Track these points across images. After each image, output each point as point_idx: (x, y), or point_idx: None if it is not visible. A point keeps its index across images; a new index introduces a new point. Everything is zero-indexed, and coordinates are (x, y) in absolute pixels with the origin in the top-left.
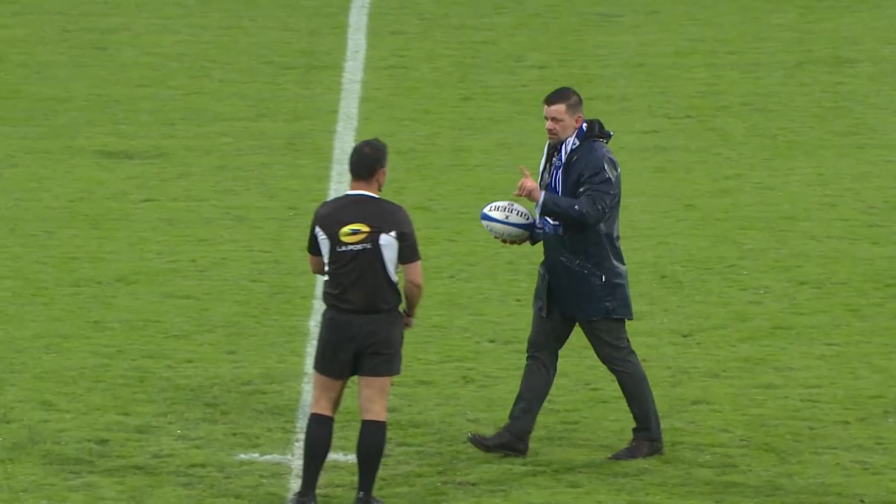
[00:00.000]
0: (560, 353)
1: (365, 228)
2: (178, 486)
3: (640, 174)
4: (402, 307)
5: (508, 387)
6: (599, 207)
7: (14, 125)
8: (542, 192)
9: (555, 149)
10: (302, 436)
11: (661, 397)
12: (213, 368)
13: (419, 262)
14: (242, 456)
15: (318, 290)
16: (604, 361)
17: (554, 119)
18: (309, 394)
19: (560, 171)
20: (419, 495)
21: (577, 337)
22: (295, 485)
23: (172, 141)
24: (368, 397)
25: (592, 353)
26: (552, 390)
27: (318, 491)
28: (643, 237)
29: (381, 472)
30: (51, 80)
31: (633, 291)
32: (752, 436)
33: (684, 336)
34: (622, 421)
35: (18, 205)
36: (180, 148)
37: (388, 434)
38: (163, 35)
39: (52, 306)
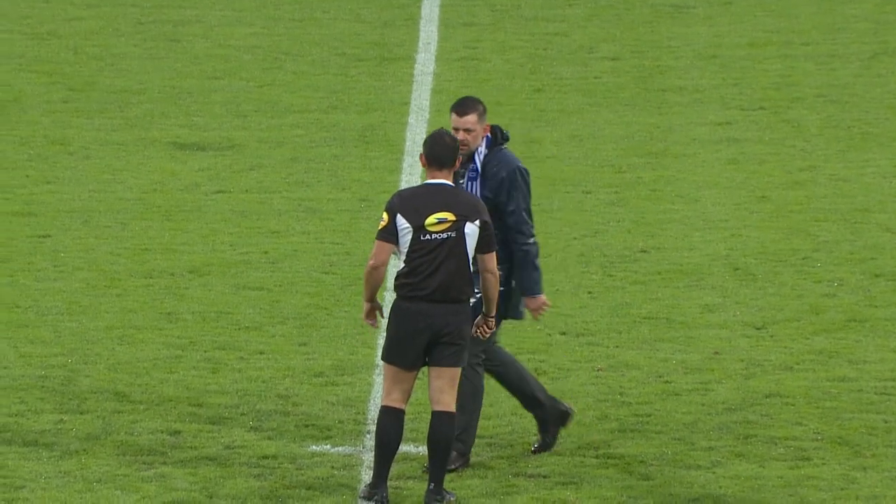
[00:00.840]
0: (631, 345)
1: (451, 217)
2: (250, 478)
3: (712, 166)
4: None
5: (580, 379)
6: (530, 226)
7: (88, 117)
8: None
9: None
10: (373, 427)
11: (733, 390)
12: (284, 360)
13: (495, 252)
14: (314, 447)
15: (391, 282)
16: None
17: (467, 130)
18: (381, 385)
19: (477, 182)
20: (490, 487)
21: (650, 329)
22: (366, 476)
23: (245, 133)
24: (439, 388)
25: (665, 346)
26: (623, 382)
27: (389, 483)
28: (716, 229)
29: (452, 463)
30: (125, 72)
31: (706, 284)
32: (826, 429)
33: (757, 329)
34: (694, 413)
35: (92, 196)
36: (253, 140)
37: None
38: (236, 27)
39: (126, 298)
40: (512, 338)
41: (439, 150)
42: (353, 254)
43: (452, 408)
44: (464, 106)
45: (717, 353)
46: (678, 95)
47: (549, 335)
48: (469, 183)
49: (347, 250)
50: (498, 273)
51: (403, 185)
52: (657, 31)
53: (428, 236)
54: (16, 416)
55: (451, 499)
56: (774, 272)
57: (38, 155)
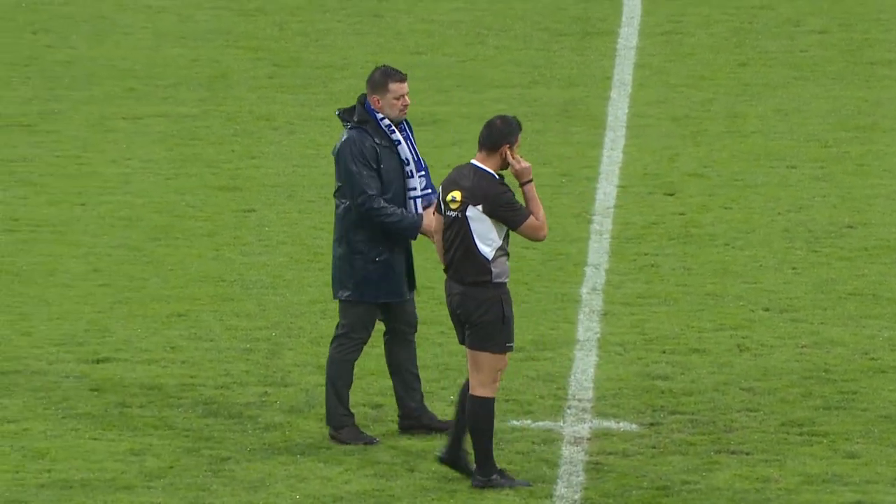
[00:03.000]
0: (837, 322)
1: (459, 197)
2: None
3: None
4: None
5: (784, 356)
6: None
7: (293, 92)
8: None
9: (381, 130)
10: (574, 403)
11: None
12: None
13: (530, 220)
14: (514, 422)
15: (591, 257)
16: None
17: (407, 94)
18: (581, 361)
19: (414, 141)
20: (693, 464)
21: (856, 305)
22: (566, 451)
23: (447, 108)
24: (469, 369)
25: (871, 322)
26: (828, 359)
27: (589, 457)
28: None
29: (653, 440)
30: (329, 48)
31: None
32: None
33: None
34: None
35: (296, 171)
36: (454, 115)
37: (660, 402)
38: (439, 2)
39: (328, 272)
40: (714, 313)
41: (483, 132)
42: (554, 229)
43: (478, 391)
44: (401, 72)
45: None
46: (888, 69)
47: (753, 311)
48: (410, 145)
49: (549, 225)
50: (541, 237)
51: (605, 160)
52: (866, 3)
53: (449, 212)
54: (221, 388)
55: (494, 479)
56: None
57: (243, 130)
